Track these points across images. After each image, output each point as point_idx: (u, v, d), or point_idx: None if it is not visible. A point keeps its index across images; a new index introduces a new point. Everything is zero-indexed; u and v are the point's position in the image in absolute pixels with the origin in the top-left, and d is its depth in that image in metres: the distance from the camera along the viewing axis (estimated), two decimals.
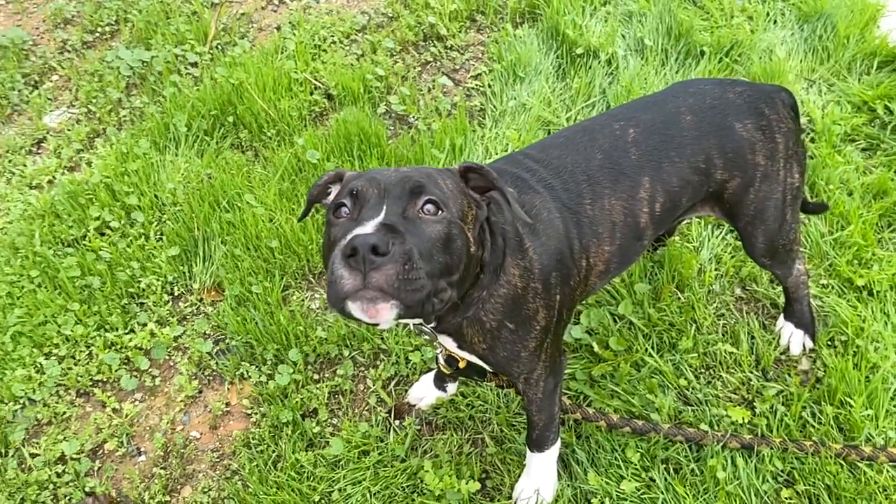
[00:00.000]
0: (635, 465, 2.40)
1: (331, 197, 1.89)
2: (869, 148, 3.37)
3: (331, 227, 1.66)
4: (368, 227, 1.49)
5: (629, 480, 2.36)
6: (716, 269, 2.94)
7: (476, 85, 3.92)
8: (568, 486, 2.40)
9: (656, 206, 2.09)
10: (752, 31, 3.93)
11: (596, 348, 2.70)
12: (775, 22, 4.04)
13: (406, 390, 2.73)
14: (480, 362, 2.07)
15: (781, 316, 2.75)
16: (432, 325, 1.91)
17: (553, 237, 1.97)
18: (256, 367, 2.86)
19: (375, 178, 1.65)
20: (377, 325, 1.58)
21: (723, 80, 2.29)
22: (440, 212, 1.61)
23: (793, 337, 2.71)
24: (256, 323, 2.91)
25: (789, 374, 2.65)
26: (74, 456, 2.66)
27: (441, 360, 2.22)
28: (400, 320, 1.59)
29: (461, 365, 2.21)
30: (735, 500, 2.31)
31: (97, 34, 4.42)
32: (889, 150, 3.31)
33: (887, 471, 2.35)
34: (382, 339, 2.85)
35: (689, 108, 2.15)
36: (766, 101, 2.21)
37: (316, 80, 3.91)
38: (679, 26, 3.83)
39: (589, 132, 2.14)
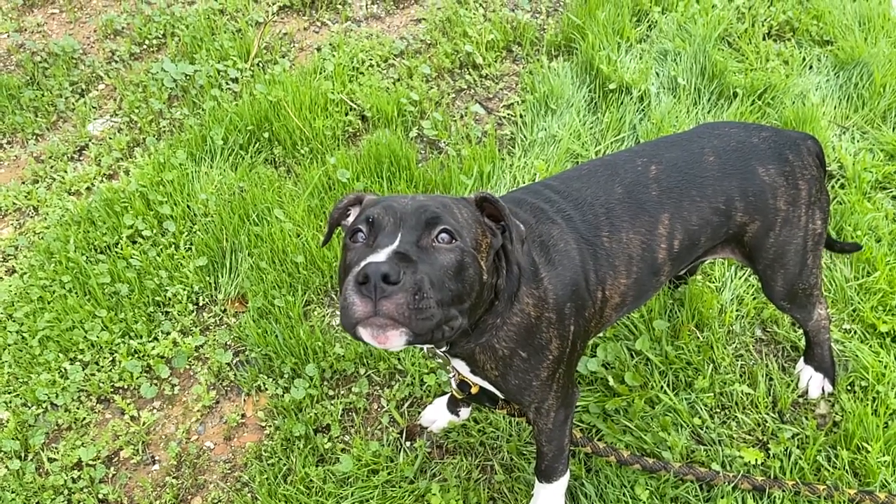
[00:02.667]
0: (644, 502, 2.38)
1: (350, 218, 1.94)
2: None
3: (346, 252, 1.70)
4: (381, 256, 1.53)
5: None
6: (737, 310, 2.93)
7: (508, 114, 3.97)
8: None
9: (675, 244, 2.10)
10: (786, 75, 3.93)
11: (611, 382, 2.70)
12: (811, 67, 4.04)
13: (419, 412, 2.75)
14: (492, 389, 2.09)
15: (801, 359, 2.73)
16: (445, 349, 1.94)
17: (569, 268, 1.98)
18: (273, 379, 2.90)
19: (392, 207, 1.69)
20: (387, 349, 1.62)
21: (748, 125, 2.31)
22: (454, 241, 1.64)
23: (812, 380, 2.68)
24: (276, 336, 2.96)
25: (806, 418, 2.62)
26: (90, 462, 2.71)
27: (454, 385, 2.24)
28: (410, 346, 1.62)
29: (473, 390, 2.23)
30: None
31: (144, 46, 4.57)
32: None
33: None
34: (399, 359, 2.88)
35: (713, 150, 2.16)
36: (790, 147, 2.22)
37: (352, 101, 3.99)
38: (713, 67, 3.84)
39: (611, 166, 2.16)
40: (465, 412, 2.68)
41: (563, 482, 2.33)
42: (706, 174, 2.12)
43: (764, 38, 4.21)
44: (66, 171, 3.87)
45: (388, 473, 2.56)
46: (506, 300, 1.87)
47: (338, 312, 3.13)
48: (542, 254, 1.97)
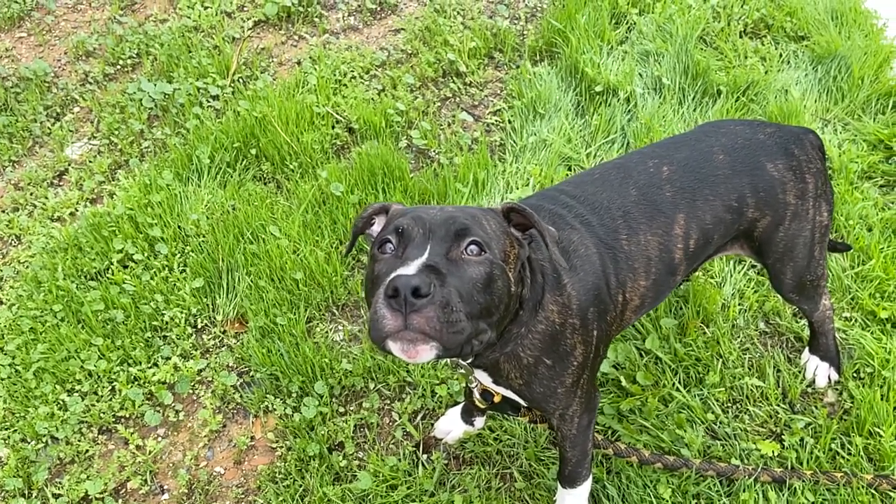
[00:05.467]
0: (667, 500, 2.40)
1: (374, 228, 1.92)
2: (886, 185, 3.43)
3: (374, 263, 1.68)
4: (411, 268, 1.51)
5: None
6: (739, 304, 2.97)
7: (495, 121, 3.98)
8: None
9: (690, 243, 2.12)
10: (765, 71, 4.00)
11: (623, 382, 2.71)
12: (788, 63, 4.12)
13: (432, 424, 2.73)
14: (516, 397, 2.08)
15: (807, 349, 2.77)
16: (469, 360, 1.93)
17: (590, 273, 1.99)
18: (281, 399, 2.85)
19: (421, 218, 1.67)
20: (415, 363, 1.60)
21: (752, 121, 2.34)
22: (483, 253, 1.62)
23: (818, 370, 2.72)
24: (282, 355, 2.91)
25: (816, 407, 2.66)
26: (98, 496, 2.64)
27: (476, 395, 2.22)
28: (439, 360, 1.61)
29: (496, 399, 2.22)
30: None
31: (119, 67, 4.48)
32: None
33: None
34: (408, 371, 2.86)
35: (722, 148, 2.19)
36: (795, 141, 2.25)
37: (337, 114, 3.96)
38: (696, 66, 3.90)
39: (623, 169, 2.17)
40: (479, 421, 2.66)
41: (587, 487, 2.33)
42: (718, 172, 2.14)
43: (740, 36, 4.29)
44: (46, 198, 3.78)
45: (408, 488, 2.53)
46: (530, 309, 1.87)
47: (340, 327, 3.10)
48: (564, 260, 1.97)
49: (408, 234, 1.65)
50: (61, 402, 2.90)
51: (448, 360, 2.01)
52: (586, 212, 2.07)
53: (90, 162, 3.95)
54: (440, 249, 1.60)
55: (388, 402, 2.84)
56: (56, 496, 2.65)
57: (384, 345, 1.52)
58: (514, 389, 2.02)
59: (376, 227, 1.92)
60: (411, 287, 1.44)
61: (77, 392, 2.94)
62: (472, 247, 1.62)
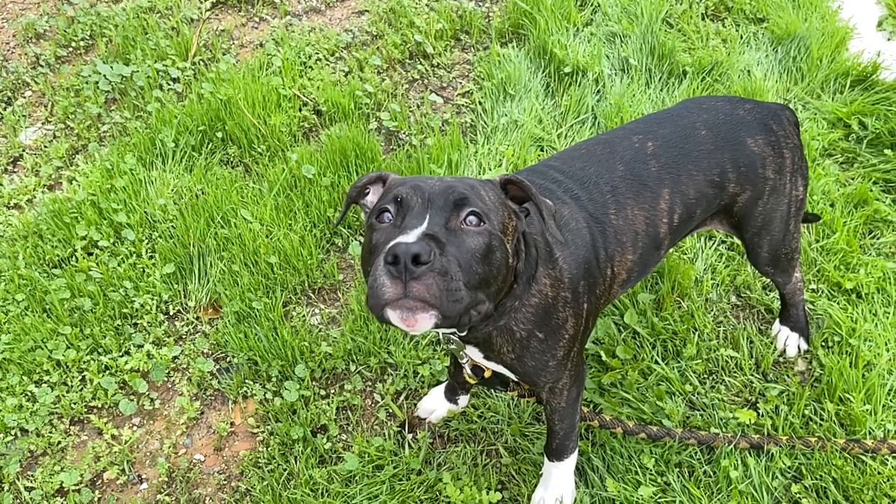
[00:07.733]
0: (651, 470, 2.45)
1: (369, 197, 1.91)
2: (846, 161, 3.55)
3: (372, 232, 1.66)
4: (411, 236, 1.50)
5: (646, 486, 2.40)
6: (712, 279, 3.04)
7: (465, 102, 3.97)
8: (586, 493, 2.44)
9: (675, 217, 2.16)
10: (728, 53, 4.08)
11: (604, 357, 2.76)
12: (749, 44, 4.21)
13: (416, 404, 2.73)
14: (507, 372, 2.09)
15: (777, 320, 2.86)
16: (462, 334, 1.93)
17: (581, 247, 2.01)
18: (261, 384, 2.82)
19: (420, 187, 1.66)
20: (413, 332, 1.59)
21: (731, 98, 2.39)
22: (482, 224, 1.62)
23: (789, 340, 2.81)
24: (260, 339, 2.87)
25: (788, 375, 2.75)
26: (74, 487, 2.57)
27: (468, 370, 2.23)
28: (436, 329, 1.61)
29: (486, 374, 2.23)
30: (748, 499, 2.38)
31: (71, 49, 4.33)
32: (865, 163, 3.49)
33: (890, 462, 2.46)
34: (389, 353, 2.85)
35: (704, 124, 2.23)
36: (773, 117, 2.31)
37: (304, 96, 3.90)
38: (661, 47, 3.96)
39: (609, 145, 2.20)
40: (463, 400, 2.67)
41: (573, 459, 2.37)
42: (700, 148, 2.18)
43: (702, 18, 4.37)
44: (2, 184, 3.63)
45: (395, 467, 2.53)
46: (524, 282, 1.88)
47: (317, 311, 3.07)
48: (556, 239, 1.99)
49: (407, 204, 1.63)
50: (29, 394, 2.81)
51: (440, 335, 2.01)
52: (575, 186, 2.09)
53: (45, 147, 3.81)
54: (439, 219, 1.59)
55: (370, 383, 2.82)
56: (29, 489, 2.57)
57: (383, 313, 1.50)
58: (506, 364, 2.03)
59: (370, 197, 1.90)
60: (411, 254, 1.42)
61: (46, 382, 2.85)
62: (472, 217, 1.62)
